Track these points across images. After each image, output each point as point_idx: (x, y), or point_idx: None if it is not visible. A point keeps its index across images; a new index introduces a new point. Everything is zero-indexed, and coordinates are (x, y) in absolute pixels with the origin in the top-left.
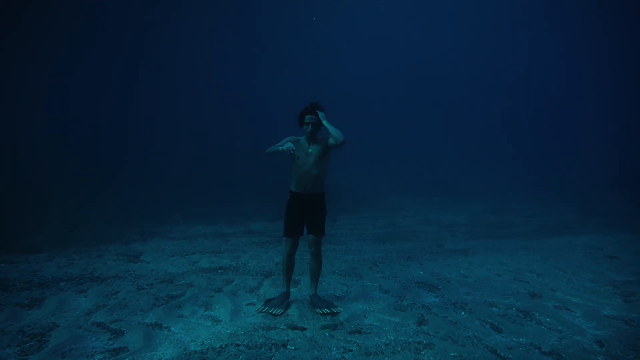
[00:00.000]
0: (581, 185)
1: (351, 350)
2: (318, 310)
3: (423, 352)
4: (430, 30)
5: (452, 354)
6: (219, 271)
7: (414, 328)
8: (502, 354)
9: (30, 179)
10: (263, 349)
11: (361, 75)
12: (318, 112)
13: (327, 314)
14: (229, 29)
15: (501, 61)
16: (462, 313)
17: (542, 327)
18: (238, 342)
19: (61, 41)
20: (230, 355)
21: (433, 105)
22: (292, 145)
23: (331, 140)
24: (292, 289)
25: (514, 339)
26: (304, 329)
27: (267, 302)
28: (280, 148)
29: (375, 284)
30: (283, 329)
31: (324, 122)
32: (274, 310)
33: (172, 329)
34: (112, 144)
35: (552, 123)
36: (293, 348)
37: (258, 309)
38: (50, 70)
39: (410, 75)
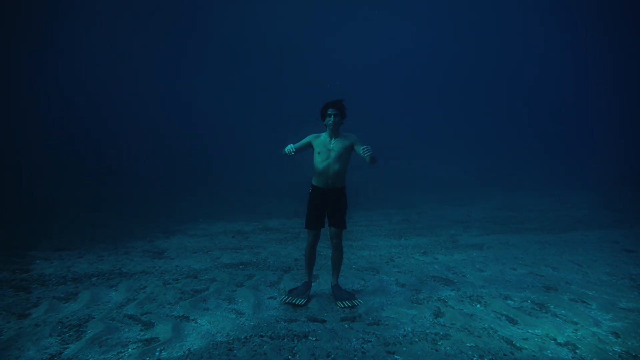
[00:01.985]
0: (595, 182)
1: (370, 341)
2: (339, 304)
3: (440, 343)
4: (441, 31)
5: (468, 345)
6: (240, 267)
7: (431, 320)
8: (517, 345)
9: (46, 180)
10: (285, 340)
11: (374, 75)
12: (367, 149)
13: (348, 307)
14: (231, 26)
15: (514, 59)
16: (478, 306)
17: (558, 319)
18: (262, 333)
19: (57, 40)
20: (255, 345)
21: (444, 102)
22: (293, 147)
23: (361, 153)
24: (312, 282)
25: (530, 331)
26: (324, 321)
27: (290, 291)
28: (284, 151)
29: (392, 278)
30: (304, 321)
31: (368, 155)
32: (297, 300)
33: (199, 321)
34: (121, 144)
35: (567, 121)
36: (314, 339)
37: (282, 299)
38: (49, 70)
39: (422, 74)
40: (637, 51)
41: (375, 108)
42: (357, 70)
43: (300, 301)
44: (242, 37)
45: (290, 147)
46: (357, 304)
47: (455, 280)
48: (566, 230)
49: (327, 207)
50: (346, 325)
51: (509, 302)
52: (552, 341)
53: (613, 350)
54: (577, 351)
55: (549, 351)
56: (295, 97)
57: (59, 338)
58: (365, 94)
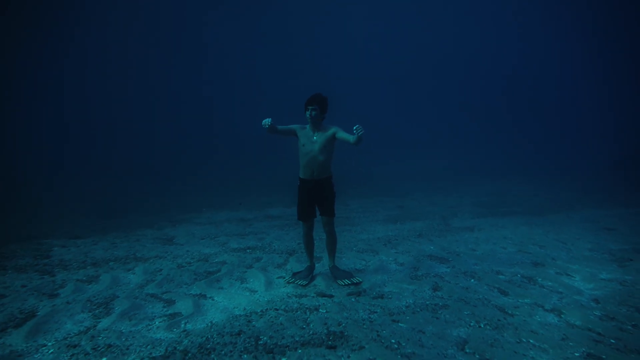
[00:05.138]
0: (580, 168)
1: (376, 312)
2: (340, 282)
3: (440, 312)
4: (428, 24)
5: (465, 312)
6: (248, 251)
7: (430, 293)
8: (509, 312)
9: (52, 175)
10: (299, 312)
11: (364, 68)
12: (359, 131)
13: (349, 284)
14: (227, 25)
15: (499, 51)
16: (472, 280)
17: (545, 289)
18: (276, 307)
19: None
20: (271, 317)
21: (435, 94)
22: (269, 121)
23: (345, 137)
24: (316, 264)
25: (520, 300)
26: (332, 296)
27: (294, 274)
28: (262, 123)
29: (391, 258)
30: (313, 296)
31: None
32: (300, 281)
33: (216, 298)
34: (119, 140)
35: (554, 109)
36: (325, 311)
37: (286, 280)
38: (51, 70)
39: (411, 67)
40: (620, 42)
41: (366, 103)
42: (347, 66)
43: (302, 282)
44: (242, 34)
45: (266, 121)
46: (357, 281)
47: (450, 259)
48: (551, 212)
49: (316, 197)
50: (353, 299)
51: (500, 276)
52: (540, 308)
53: (594, 314)
54: (562, 316)
55: (537, 316)
56: (290, 93)
57: (90, 314)
58: (354, 90)
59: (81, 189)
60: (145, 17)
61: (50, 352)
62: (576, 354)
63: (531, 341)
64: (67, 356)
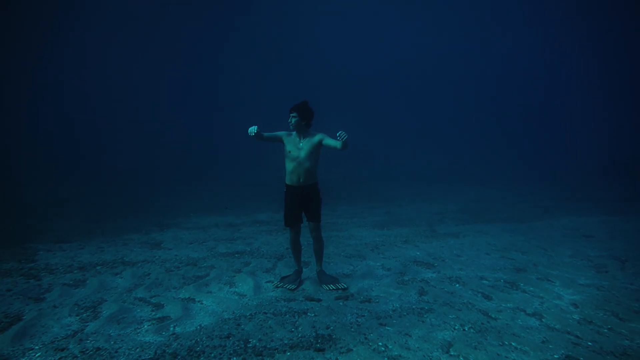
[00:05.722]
0: (566, 175)
1: (363, 316)
2: (325, 287)
3: (426, 316)
4: (415, 25)
5: (450, 316)
6: (236, 255)
7: (416, 297)
8: (493, 316)
9: (37, 179)
10: (287, 316)
11: (362, 70)
12: (342, 136)
13: (334, 289)
14: (229, 28)
15: (485, 52)
16: (457, 285)
17: (527, 294)
18: (265, 310)
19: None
20: (260, 320)
21: (420, 99)
22: (255, 128)
23: (331, 143)
24: (304, 269)
25: (503, 304)
26: (320, 300)
27: (283, 278)
28: (248, 131)
29: (378, 264)
30: (302, 300)
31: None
32: (288, 285)
33: (204, 302)
34: (119, 142)
35: (540, 115)
36: (313, 315)
37: (275, 284)
38: (46, 71)
39: (396, 69)
40: (609, 43)
41: (365, 104)
42: (346, 69)
43: (291, 287)
44: (244, 35)
45: (252, 129)
46: (342, 287)
47: (436, 264)
48: (534, 219)
49: (303, 204)
50: (341, 303)
51: (484, 281)
52: (522, 312)
53: (573, 318)
54: (543, 319)
55: (519, 320)
56: (283, 97)
57: (77, 317)
58: (354, 91)
59: (74, 191)
60: (145, 17)
61: (37, 355)
62: (555, 356)
63: (513, 344)
64: (54, 359)
